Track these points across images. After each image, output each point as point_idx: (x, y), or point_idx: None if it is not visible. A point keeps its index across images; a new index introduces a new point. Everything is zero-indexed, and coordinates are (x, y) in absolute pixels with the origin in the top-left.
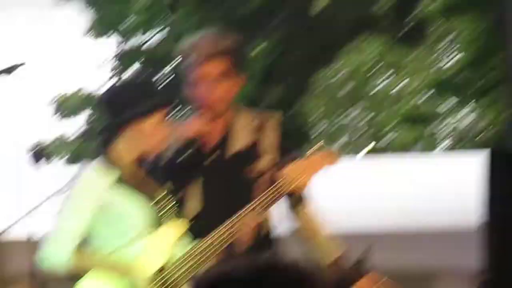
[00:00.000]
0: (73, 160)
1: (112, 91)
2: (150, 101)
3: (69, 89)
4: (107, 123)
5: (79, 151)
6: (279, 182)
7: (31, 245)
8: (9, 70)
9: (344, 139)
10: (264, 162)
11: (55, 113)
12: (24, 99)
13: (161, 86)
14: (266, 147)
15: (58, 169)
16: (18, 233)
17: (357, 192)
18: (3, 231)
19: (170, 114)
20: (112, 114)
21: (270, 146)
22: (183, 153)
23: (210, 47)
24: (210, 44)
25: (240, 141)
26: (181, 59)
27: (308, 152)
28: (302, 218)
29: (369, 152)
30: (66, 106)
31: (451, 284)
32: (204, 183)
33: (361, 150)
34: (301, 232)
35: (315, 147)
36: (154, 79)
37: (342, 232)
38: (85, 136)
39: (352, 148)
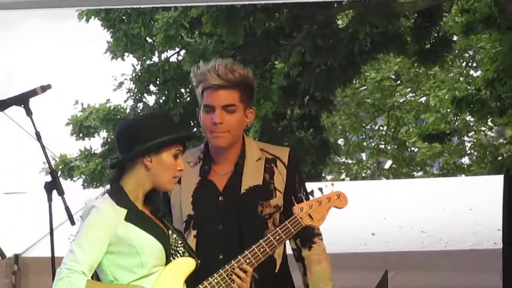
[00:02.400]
0: (93, 179)
1: (125, 124)
2: (166, 135)
3: (88, 108)
4: (119, 158)
5: (99, 170)
6: (291, 220)
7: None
8: (34, 93)
9: (363, 155)
10: (277, 200)
11: (73, 133)
12: (44, 117)
13: (177, 109)
14: (277, 186)
15: (78, 189)
16: (39, 252)
17: (380, 212)
18: (25, 250)
19: (185, 150)
20: (124, 147)
21: (280, 186)
22: (198, 192)
23: (219, 77)
24: (220, 74)
25: (252, 177)
26: (194, 85)
27: (320, 193)
28: (310, 263)
29: (388, 169)
30: (84, 126)
31: None
32: (217, 220)
33: (380, 166)
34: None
35: (326, 188)
36: (169, 102)
37: (364, 250)
38: (104, 155)
39: (371, 165)
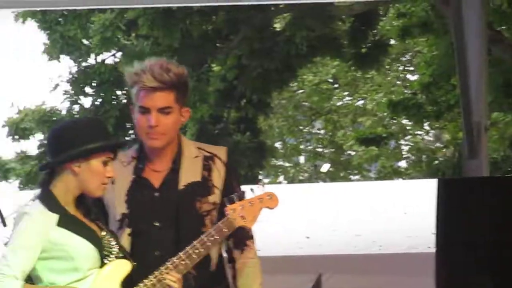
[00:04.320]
0: (28, 181)
1: (57, 128)
2: (96, 142)
3: (24, 110)
4: (48, 161)
5: (35, 172)
6: (224, 221)
7: None
8: None
9: (301, 158)
10: (214, 197)
11: (9, 135)
12: None
13: (112, 112)
14: (215, 183)
15: (13, 191)
16: None
17: (315, 216)
18: None
19: (116, 155)
20: (53, 151)
21: (218, 183)
22: (132, 190)
23: (155, 79)
24: (156, 76)
25: (190, 173)
26: (128, 85)
27: (251, 194)
28: (241, 270)
29: (325, 173)
30: (20, 128)
31: None
32: (153, 217)
33: (317, 170)
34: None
35: (258, 189)
36: (105, 105)
37: (298, 253)
38: (40, 158)
39: (308, 168)
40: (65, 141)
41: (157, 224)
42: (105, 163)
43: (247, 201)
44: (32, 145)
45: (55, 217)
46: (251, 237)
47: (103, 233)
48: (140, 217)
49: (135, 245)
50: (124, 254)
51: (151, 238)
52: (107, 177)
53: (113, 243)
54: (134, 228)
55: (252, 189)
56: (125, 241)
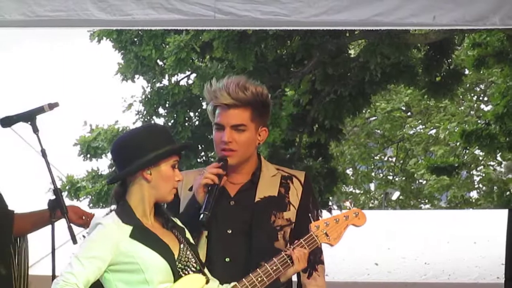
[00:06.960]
0: (99, 200)
1: (122, 139)
2: (163, 147)
3: (96, 129)
4: (118, 173)
5: (105, 191)
6: (307, 238)
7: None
8: (41, 110)
9: (371, 185)
10: (290, 214)
11: (81, 154)
12: (53, 137)
13: (185, 133)
14: (291, 201)
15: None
16: (42, 270)
17: (384, 243)
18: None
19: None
20: (123, 162)
21: (295, 201)
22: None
23: (229, 96)
24: (230, 93)
25: (267, 188)
26: (206, 102)
27: (341, 212)
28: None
29: (396, 200)
30: (92, 146)
31: None
32: (226, 224)
33: (387, 197)
34: None
35: (346, 205)
36: (177, 126)
37: (367, 280)
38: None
39: (379, 196)
40: (134, 150)
41: (229, 231)
42: (173, 167)
43: (332, 218)
44: (103, 164)
45: (128, 228)
46: (321, 262)
47: (181, 245)
48: (213, 223)
49: (208, 249)
50: (200, 268)
51: (223, 244)
52: (177, 180)
53: (190, 256)
54: (209, 232)
55: (340, 206)
56: (203, 244)
